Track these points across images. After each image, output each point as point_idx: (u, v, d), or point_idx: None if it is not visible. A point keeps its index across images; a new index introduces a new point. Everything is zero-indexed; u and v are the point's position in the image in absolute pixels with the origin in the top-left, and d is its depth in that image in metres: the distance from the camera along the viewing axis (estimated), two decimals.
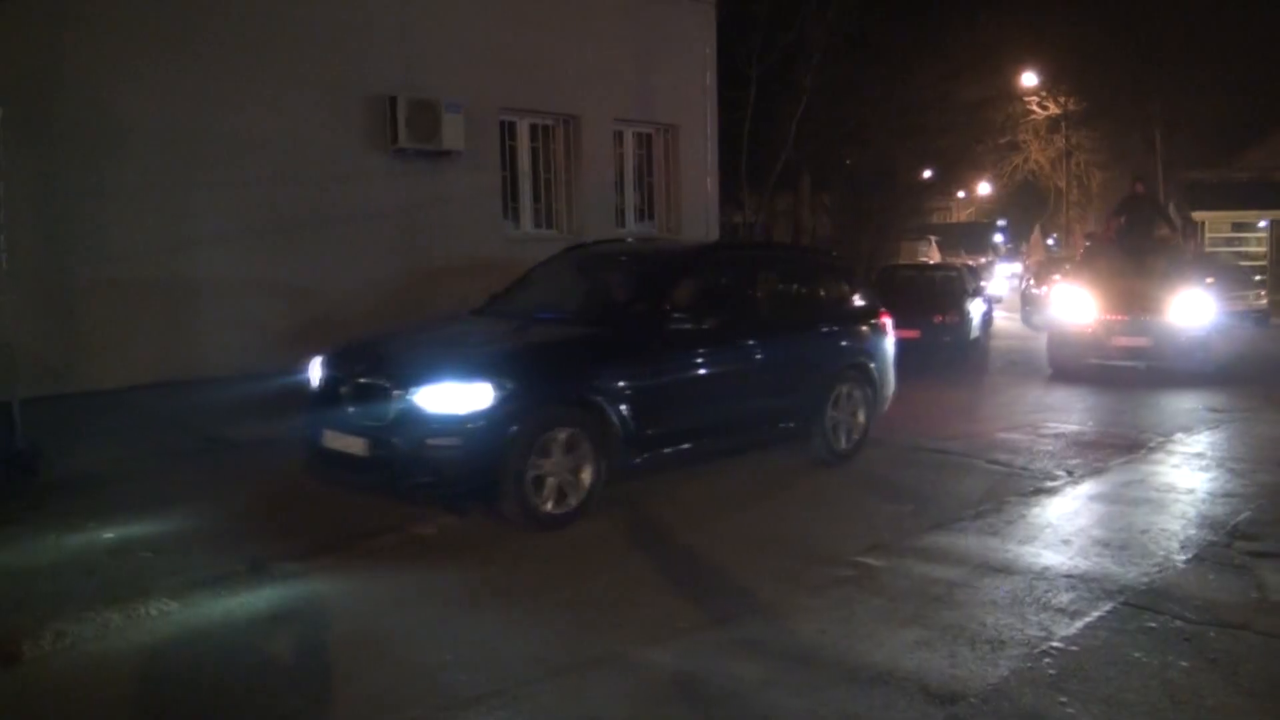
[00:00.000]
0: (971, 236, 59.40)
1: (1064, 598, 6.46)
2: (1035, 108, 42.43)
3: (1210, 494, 8.98)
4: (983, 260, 44.01)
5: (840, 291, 10.76)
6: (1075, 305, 16.02)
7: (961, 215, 65.15)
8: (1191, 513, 8.35)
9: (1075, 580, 6.81)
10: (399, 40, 13.19)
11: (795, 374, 9.63)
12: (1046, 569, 7.04)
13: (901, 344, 19.16)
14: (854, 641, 5.77)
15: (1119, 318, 15.60)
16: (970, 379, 16.48)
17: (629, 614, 6.23)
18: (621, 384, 8.09)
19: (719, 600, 6.48)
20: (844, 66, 24.57)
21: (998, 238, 60.97)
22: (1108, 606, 6.31)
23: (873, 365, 10.47)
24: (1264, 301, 29.25)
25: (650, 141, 16.59)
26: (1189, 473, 9.80)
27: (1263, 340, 23.73)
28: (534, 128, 15.05)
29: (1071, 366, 16.13)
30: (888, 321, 10.94)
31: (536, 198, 15.14)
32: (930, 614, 6.17)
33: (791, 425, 9.68)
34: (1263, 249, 32.10)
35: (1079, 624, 6.02)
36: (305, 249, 12.47)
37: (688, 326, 8.74)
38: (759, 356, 9.28)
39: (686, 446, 8.64)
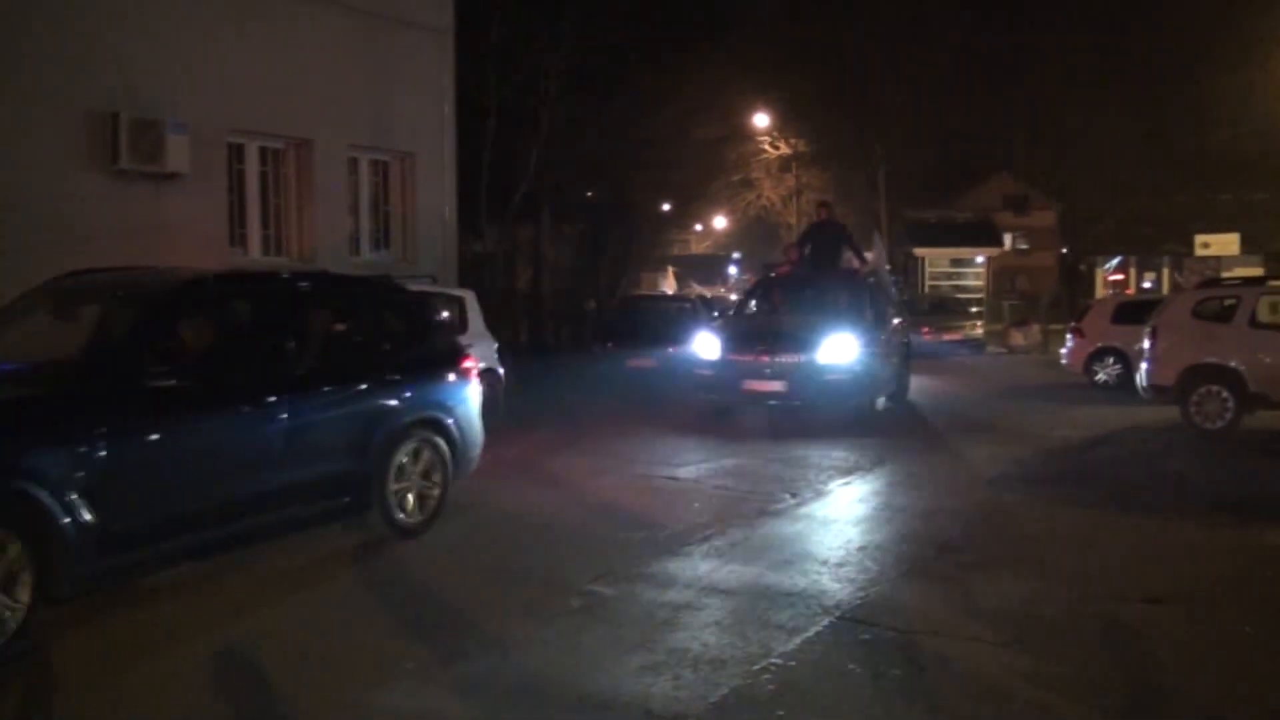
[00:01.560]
0: (707, 268, 61.23)
1: (784, 615, 6.54)
2: (767, 147, 44.04)
3: (923, 512, 9.28)
4: (720, 291, 45.51)
5: (409, 332, 8.84)
6: (709, 345, 14.14)
7: (699, 247, 66.98)
8: (905, 529, 8.61)
9: (795, 598, 6.90)
10: (121, 55, 12.42)
11: (341, 436, 7.78)
12: (768, 588, 7.12)
13: (639, 373, 19.47)
14: (582, 670, 5.68)
15: (752, 359, 13.72)
16: (702, 407, 16.64)
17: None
18: (72, 465, 6.01)
19: (446, 638, 6.30)
20: (583, 101, 24.79)
21: (732, 270, 63.08)
22: (825, 622, 6.43)
23: (450, 421, 8.65)
24: (980, 331, 31.15)
25: (387, 169, 16.25)
26: (903, 493, 10.07)
27: (967, 369, 25.12)
28: (264, 151, 14.54)
29: (707, 411, 14.42)
30: (472, 366, 9.22)
31: (266, 223, 14.62)
32: (656, 638, 6.14)
33: (346, 499, 7.91)
34: (980, 283, 34.36)
35: (797, 640, 6.10)
36: (12, 277, 11.52)
37: (174, 383, 6.73)
38: (287, 417, 7.29)
39: (189, 537, 6.74)
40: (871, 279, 16.48)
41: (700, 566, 7.69)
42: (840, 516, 9.28)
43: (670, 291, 42.00)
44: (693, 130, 31.88)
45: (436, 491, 8.58)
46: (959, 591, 7.09)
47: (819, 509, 9.55)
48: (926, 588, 7.20)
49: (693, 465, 11.68)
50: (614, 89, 26.06)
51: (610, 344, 19.90)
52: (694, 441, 13.31)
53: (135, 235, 12.52)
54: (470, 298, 14.19)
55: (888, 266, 36.73)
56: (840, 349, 13.57)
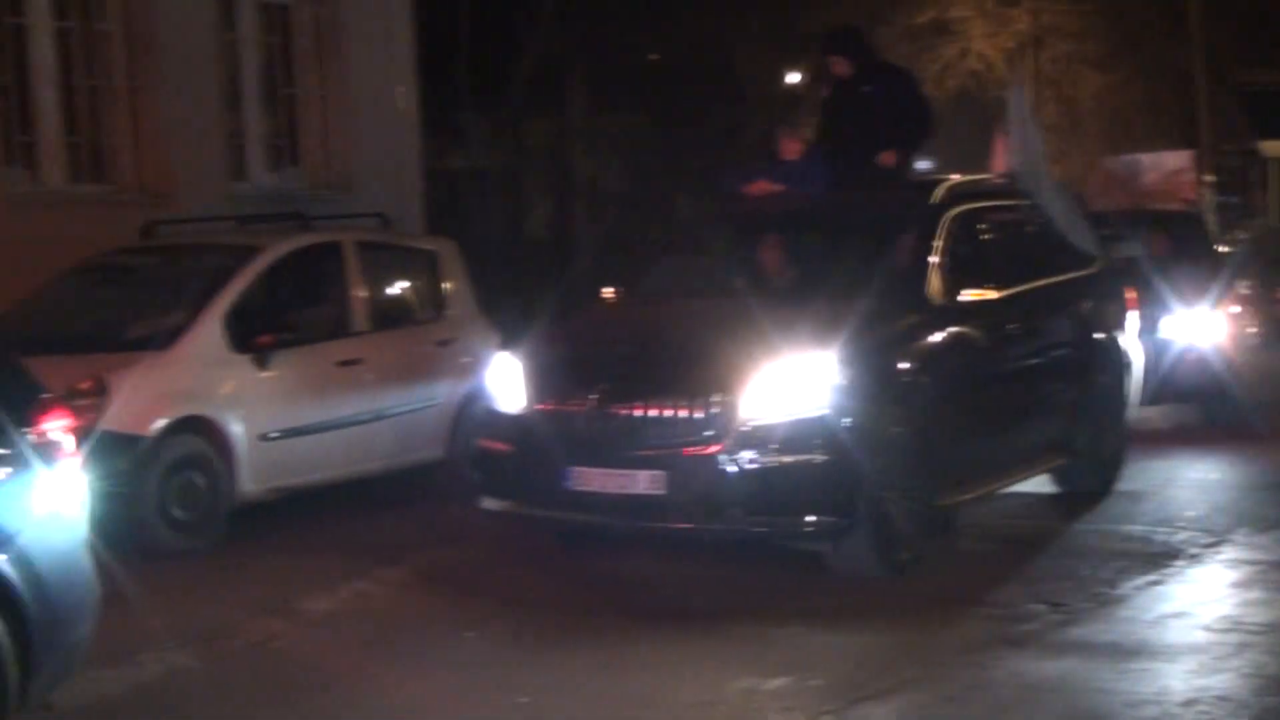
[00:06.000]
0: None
1: None
2: None
3: None
4: None
5: None
6: (507, 382, 8.22)
7: None
8: None
9: None
10: None
11: None
12: None
13: None
14: None
15: (589, 411, 7.51)
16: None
17: None
18: None
19: None
20: None
21: None
22: None
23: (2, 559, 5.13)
24: None
25: (289, 20, 13.49)
26: (1273, 594, 7.13)
27: None
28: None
29: (501, 522, 8.47)
30: (61, 431, 5.58)
31: (71, 125, 11.88)
32: None
33: None
34: None
35: None
36: None
37: None
38: None
39: None
40: (1031, 202, 9.57)
41: None
42: (1146, 644, 6.48)
43: None
44: None
45: None
46: None
47: (1098, 631, 6.64)
48: None
49: None
50: None
51: None
52: None
53: None
54: (449, 253, 10.41)
55: (1209, 179, 25.95)
56: (794, 383, 7.39)
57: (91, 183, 11.95)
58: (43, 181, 11.56)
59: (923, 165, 14.83)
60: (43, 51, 11.41)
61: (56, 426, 5.39)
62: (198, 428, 7.69)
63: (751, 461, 7.16)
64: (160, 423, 7.47)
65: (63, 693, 5.21)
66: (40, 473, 5.20)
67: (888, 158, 9.37)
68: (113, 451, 7.31)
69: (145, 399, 7.51)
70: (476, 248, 15.90)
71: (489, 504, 7.86)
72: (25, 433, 5.24)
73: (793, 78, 26.14)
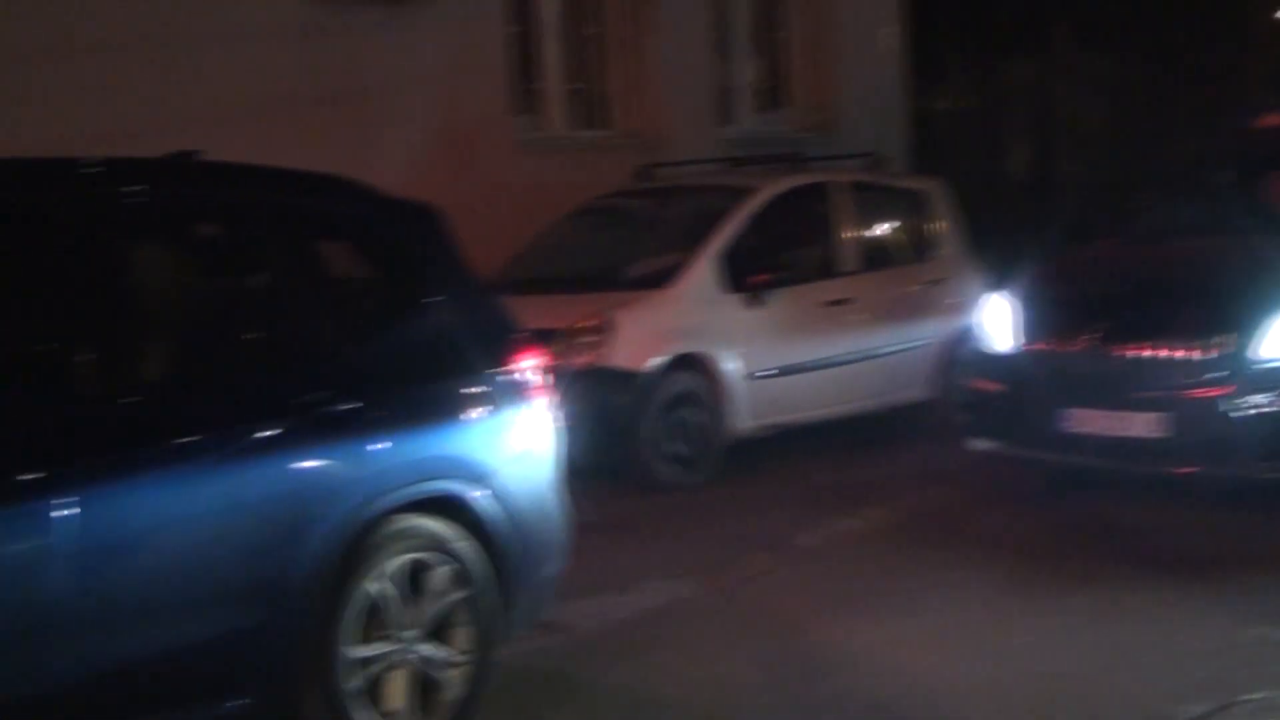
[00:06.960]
0: None
1: None
2: None
3: None
4: None
5: (379, 299, 5.46)
6: (998, 321, 8.18)
7: None
8: None
9: None
10: None
11: (211, 556, 4.54)
12: None
13: None
14: None
15: (1087, 351, 7.48)
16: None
17: None
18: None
19: None
20: None
21: None
22: None
23: (487, 499, 5.23)
24: None
25: None
26: None
27: None
28: None
29: (987, 463, 8.19)
30: (535, 370, 5.44)
31: (572, 73, 12.13)
32: None
33: (232, 703, 4.63)
34: None
35: None
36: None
37: None
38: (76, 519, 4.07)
39: None
40: None
41: None
42: None
43: None
44: None
45: (459, 669, 4.87)
46: None
47: None
48: None
49: None
50: None
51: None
52: None
53: (353, 93, 10.53)
54: (938, 193, 10.20)
55: None
56: None
57: (590, 128, 12.18)
58: (547, 128, 11.84)
59: None
60: (549, 3, 11.71)
61: (530, 365, 5.35)
62: (692, 365, 7.76)
63: (1264, 405, 6.86)
64: (658, 360, 7.55)
65: (579, 616, 5.47)
66: (514, 411, 5.22)
67: None
68: (614, 387, 7.53)
69: (644, 336, 7.64)
70: (957, 188, 15.68)
71: (978, 444, 7.84)
72: (500, 371, 5.26)
73: None
